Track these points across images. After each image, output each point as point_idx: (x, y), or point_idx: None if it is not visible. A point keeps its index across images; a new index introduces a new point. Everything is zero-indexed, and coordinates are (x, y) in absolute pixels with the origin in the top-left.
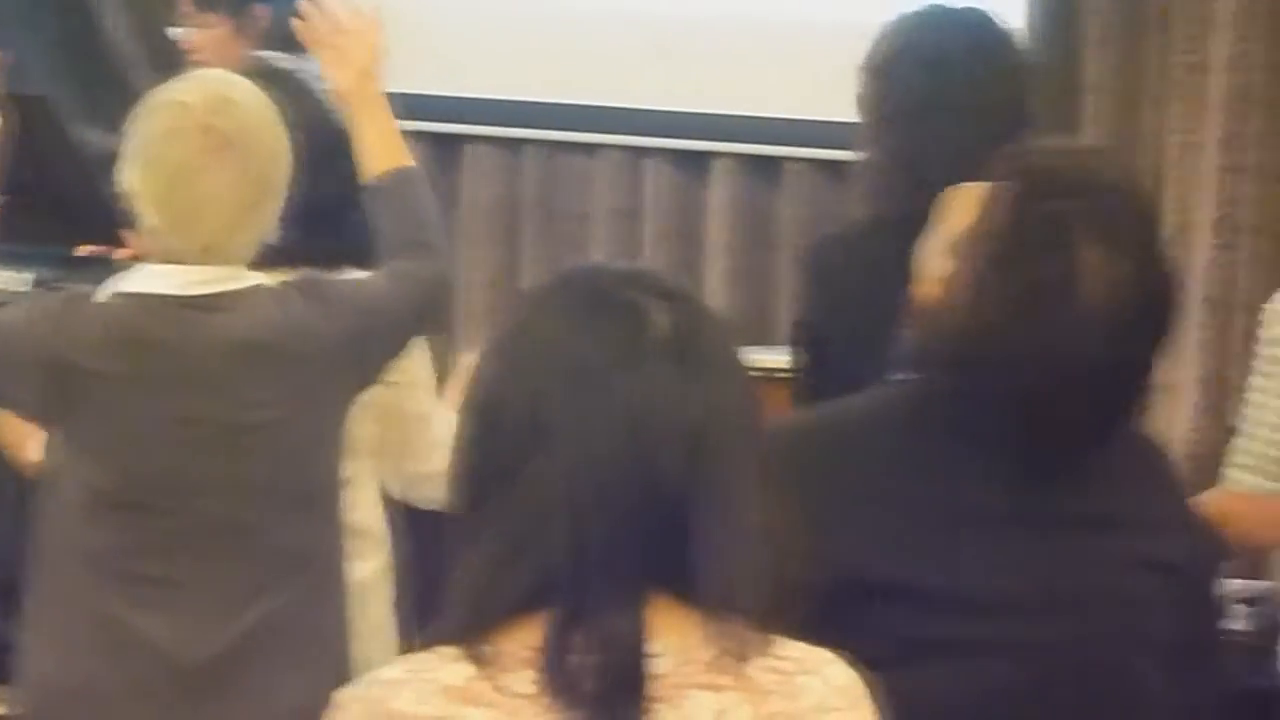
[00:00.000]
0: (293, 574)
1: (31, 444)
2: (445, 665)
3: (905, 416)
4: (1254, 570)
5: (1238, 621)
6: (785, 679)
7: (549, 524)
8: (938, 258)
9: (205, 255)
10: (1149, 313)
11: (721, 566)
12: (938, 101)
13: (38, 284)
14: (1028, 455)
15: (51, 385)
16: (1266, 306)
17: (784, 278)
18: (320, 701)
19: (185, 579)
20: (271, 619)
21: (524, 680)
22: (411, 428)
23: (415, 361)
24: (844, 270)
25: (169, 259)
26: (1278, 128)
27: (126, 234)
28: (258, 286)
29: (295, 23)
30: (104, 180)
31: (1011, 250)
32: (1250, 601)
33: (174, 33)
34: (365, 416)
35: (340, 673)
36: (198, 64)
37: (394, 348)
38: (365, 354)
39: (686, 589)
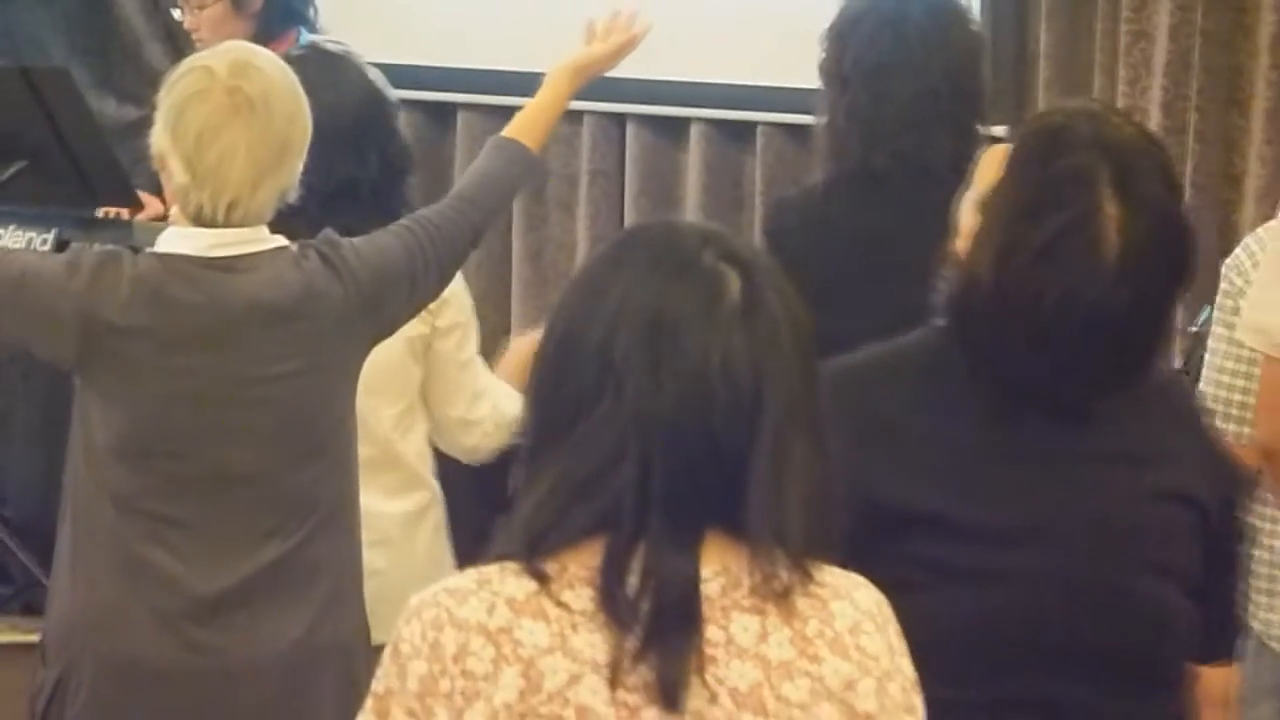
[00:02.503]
0: (303, 518)
1: None
2: (510, 579)
3: (941, 362)
4: None
5: None
6: (821, 604)
7: (616, 467)
8: (968, 214)
9: (230, 212)
10: (1164, 262)
11: (771, 511)
12: (895, 61)
13: (59, 244)
14: (1055, 396)
15: (83, 337)
16: (1226, 261)
17: (754, 234)
18: (341, 637)
19: (203, 521)
20: (282, 559)
21: (583, 597)
22: (455, 374)
23: (459, 308)
24: (796, 231)
25: (197, 217)
26: (1215, 92)
27: (145, 196)
28: (278, 249)
29: (609, 19)
30: (118, 146)
31: (1037, 201)
32: None
33: (176, 13)
34: (415, 359)
35: (348, 608)
36: (199, 41)
37: (413, 300)
38: (379, 311)
39: (738, 526)
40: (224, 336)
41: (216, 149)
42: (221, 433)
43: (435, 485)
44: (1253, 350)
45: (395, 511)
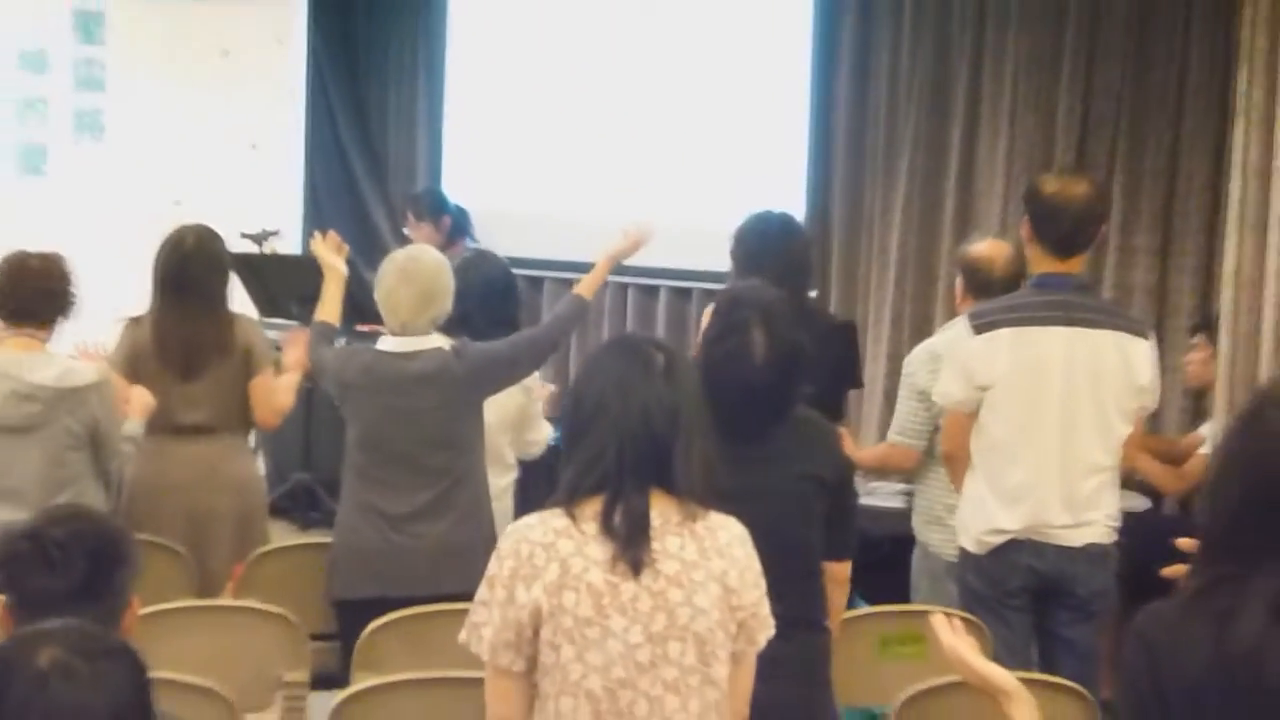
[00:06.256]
0: (441, 478)
1: (134, 402)
2: (555, 517)
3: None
4: (908, 479)
5: (896, 501)
6: (711, 531)
7: (605, 457)
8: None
9: (404, 330)
10: (790, 365)
11: (684, 476)
12: (765, 256)
13: (348, 344)
14: (738, 428)
15: (339, 389)
16: (907, 358)
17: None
18: (452, 536)
19: (393, 480)
20: (433, 499)
21: (592, 526)
22: (531, 418)
23: (537, 383)
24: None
25: (391, 332)
26: (921, 274)
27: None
28: (435, 348)
29: (628, 227)
30: (370, 294)
31: (718, 335)
32: (907, 493)
33: (405, 230)
34: (507, 412)
35: (473, 524)
36: (413, 242)
37: (506, 377)
38: (482, 382)
39: (669, 486)
40: (401, 390)
41: (396, 298)
42: (400, 436)
43: (517, 470)
44: (921, 403)
45: (497, 484)
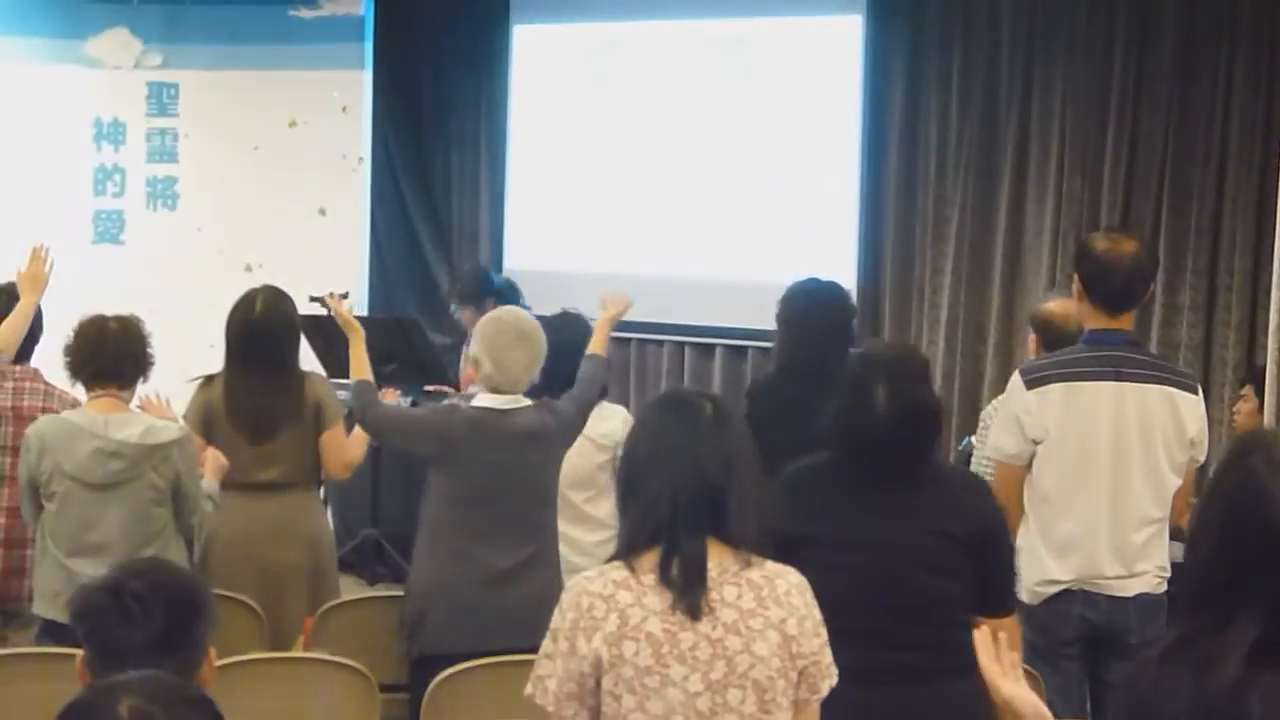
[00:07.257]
0: (539, 533)
1: (208, 465)
2: (614, 570)
3: (824, 465)
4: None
5: None
6: (769, 580)
7: (659, 508)
8: None
9: (510, 386)
10: (914, 419)
11: (738, 525)
12: (813, 320)
13: (412, 404)
14: (869, 481)
15: (437, 444)
16: (982, 413)
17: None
18: (547, 589)
19: (494, 533)
20: (531, 554)
21: (651, 578)
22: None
23: (620, 436)
24: (762, 397)
25: (493, 389)
26: (969, 336)
27: (462, 380)
28: (529, 406)
29: (606, 295)
30: (441, 357)
31: (845, 390)
32: None
33: (453, 310)
34: (601, 470)
35: (555, 579)
36: (467, 325)
37: (577, 432)
38: (567, 436)
39: (723, 535)
40: (503, 446)
41: (510, 358)
42: (501, 491)
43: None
44: (989, 459)
45: (590, 540)
